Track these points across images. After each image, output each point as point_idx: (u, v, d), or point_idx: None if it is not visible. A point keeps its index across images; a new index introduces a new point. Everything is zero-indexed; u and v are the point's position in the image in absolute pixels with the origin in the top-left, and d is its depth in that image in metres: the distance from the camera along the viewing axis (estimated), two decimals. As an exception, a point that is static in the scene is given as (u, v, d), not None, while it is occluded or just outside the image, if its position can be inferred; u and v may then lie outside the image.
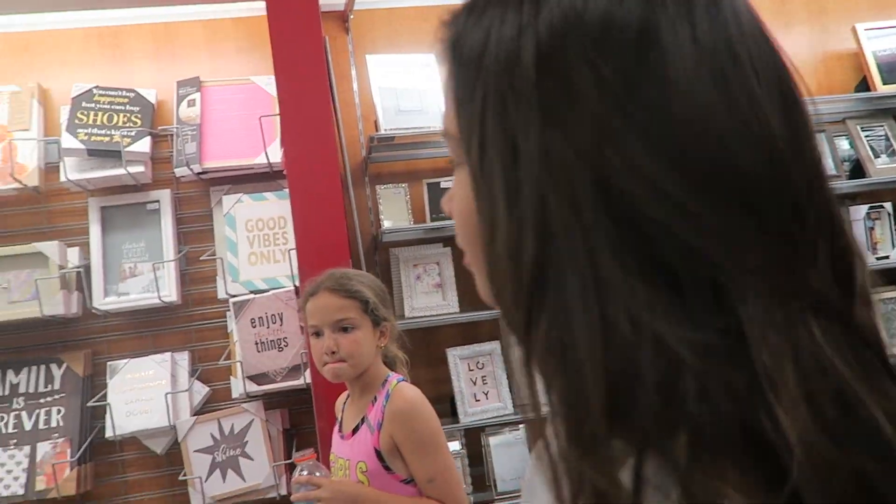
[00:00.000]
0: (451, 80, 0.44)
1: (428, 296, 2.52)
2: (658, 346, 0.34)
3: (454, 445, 2.48)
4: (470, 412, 2.45)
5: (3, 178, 2.34)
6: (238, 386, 2.38)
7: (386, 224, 2.48)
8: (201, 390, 2.46)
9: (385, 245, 2.59)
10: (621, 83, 0.36)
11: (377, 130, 2.45)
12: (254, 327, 2.33)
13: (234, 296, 2.38)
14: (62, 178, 2.35)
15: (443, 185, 2.53)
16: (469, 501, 2.37)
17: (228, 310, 2.41)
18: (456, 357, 2.48)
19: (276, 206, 2.51)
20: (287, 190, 2.53)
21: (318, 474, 1.55)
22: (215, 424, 2.40)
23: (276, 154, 2.41)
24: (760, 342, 0.34)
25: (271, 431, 2.44)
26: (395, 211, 2.54)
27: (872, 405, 0.34)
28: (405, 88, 2.50)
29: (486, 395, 2.49)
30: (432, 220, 2.52)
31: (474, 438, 2.54)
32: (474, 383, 2.49)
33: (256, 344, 2.32)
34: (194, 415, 2.40)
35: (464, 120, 0.42)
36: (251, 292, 2.40)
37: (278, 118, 2.42)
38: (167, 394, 2.31)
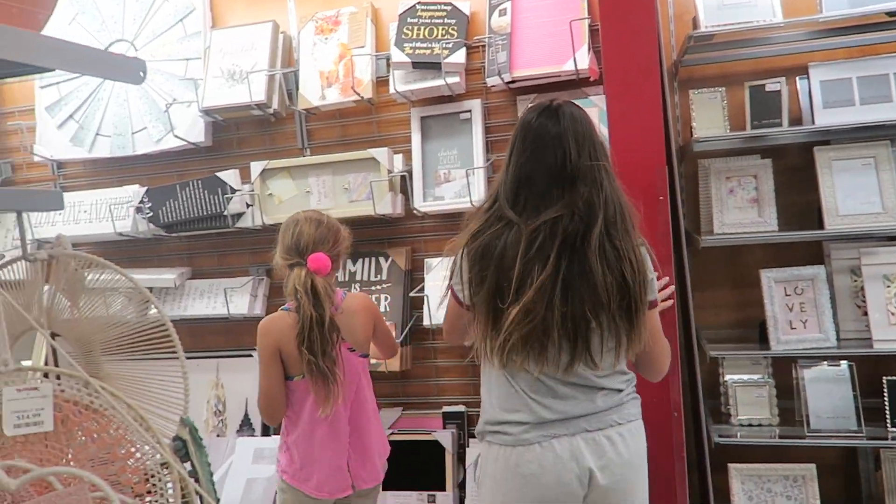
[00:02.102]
0: None
1: (741, 211, 2.32)
2: None
3: (757, 374, 2.31)
4: (783, 340, 2.24)
5: (345, 91, 2.66)
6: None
7: (698, 132, 2.30)
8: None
9: (693, 156, 2.42)
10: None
11: (695, 28, 2.25)
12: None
13: (538, 203, 2.44)
14: (391, 90, 2.60)
15: (768, 87, 2.26)
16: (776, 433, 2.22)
17: (531, 216, 2.49)
18: (771, 280, 2.27)
19: (580, 114, 2.48)
20: (592, 98, 2.50)
21: None
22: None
23: (583, 60, 2.36)
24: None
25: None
26: (708, 118, 2.35)
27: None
28: (730, -21, 2.25)
29: (805, 323, 2.24)
30: (753, 127, 2.28)
31: (783, 369, 2.34)
32: (790, 309, 2.26)
33: None
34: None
35: None
36: (553, 200, 2.44)
37: (586, 23, 2.37)
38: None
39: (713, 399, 2.43)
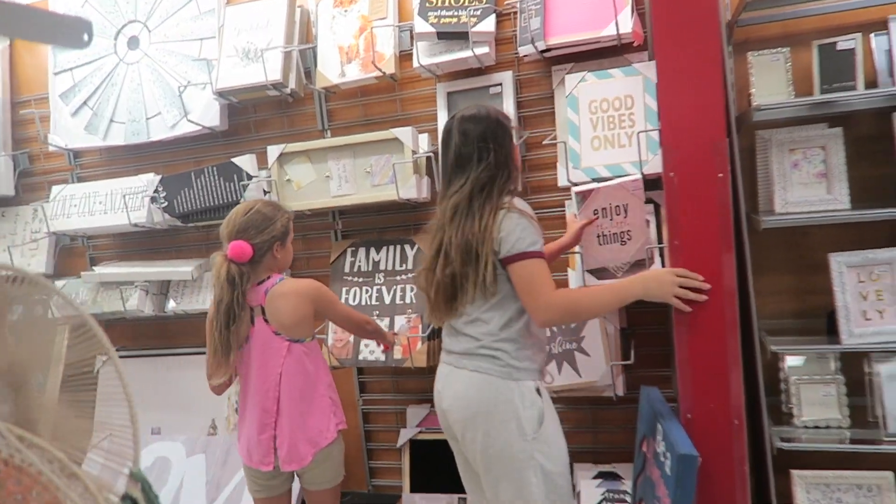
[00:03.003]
0: None
1: (807, 188, 2.06)
2: None
3: (829, 366, 2.06)
4: (856, 333, 1.98)
5: (366, 66, 2.47)
6: (576, 279, 2.26)
7: (758, 99, 2.04)
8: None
9: (750, 126, 2.17)
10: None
11: (755, -18, 1.99)
12: (596, 218, 2.16)
13: (576, 184, 2.22)
14: (415, 64, 2.40)
15: (840, 46, 1.98)
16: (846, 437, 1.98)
17: (568, 198, 2.28)
18: (842, 265, 2.01)
19: (621, 84, 2.25)
20: (636, 66, 2.25)
21: None
22: (553, 315, 2.34)
23: (626, 23, 2.12)
24: None
25: (608, 329, 2.30)
26: (769, 83, 2.09)
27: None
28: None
29: (881, 314, 1.98)
30: (822, 92, 2.01)
31: (854, 364, 2.08)
32: (864, 298, 2.00)
33: (598, 236, 2.15)
34: (533, 304, 2.36)
35: None
36: (592, 180, 2.22)
37: (630, -20, 2.12)
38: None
39: (772, 395, 2.18)
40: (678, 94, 1.60)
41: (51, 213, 2.86)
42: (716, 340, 1.58)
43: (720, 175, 1.55)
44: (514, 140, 1.87)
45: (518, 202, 1.74)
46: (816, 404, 2.05)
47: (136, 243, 3.03)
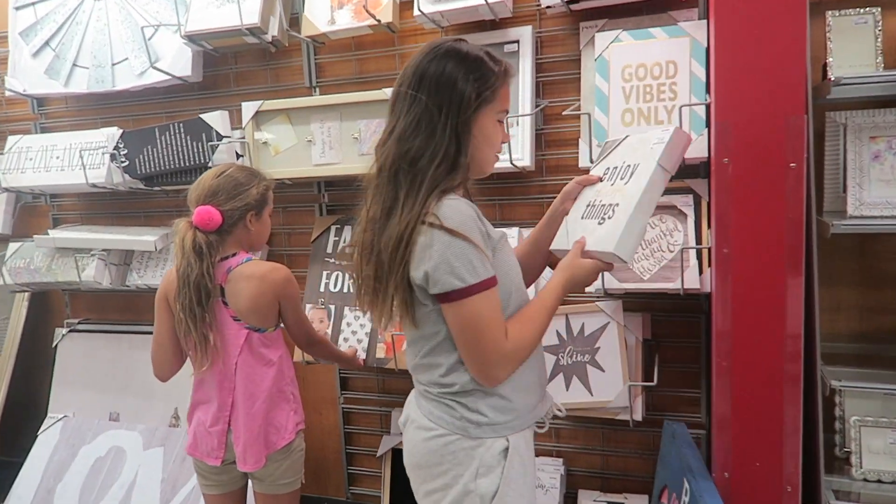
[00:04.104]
0: None
1: (889, 186, 1.65)
2: None
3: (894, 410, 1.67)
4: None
5: (359, 14, 2.09)
6: (594, 279, 1.88)
7: (836, 71, 1.62)
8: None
9: (820, 106, 1.75)
10: None
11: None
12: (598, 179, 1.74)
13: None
14: (415, 13, 2.01)
15: (951, 6, 1.56)
16: None
17: (590, 182, 1.89)
18: (927, 284, 1.61)
19: (663, 47, 1.84)
20: (682, 25, 1.84)
21: None
22: (562, 321, 1.97)
23: (675, -31, 1.71)
24: None
25: (629, 340, 1.93)
26: (851, 52, 1.66)
27: None
28: None
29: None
30: (922, 64, 1.59)
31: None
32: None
33: (588, 205, 1.75)
34: (540, 305, 2.00)
35: None
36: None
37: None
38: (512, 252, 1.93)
39: (826, 432, 1.81)
40: (742, 51, 1.19)
41: (5, 167, 2.54)
42: (770, 396, 1.20)
43: (792, 165, 1.15)
44: (495, 106, 1.26)
45: (447, 209, 1.16)
46: (881, 453, 1.67)
47: (104, 206, 2.70)
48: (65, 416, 2.66)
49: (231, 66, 2.43)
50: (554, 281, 1.33)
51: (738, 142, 1.04)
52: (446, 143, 1.19)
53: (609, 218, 1.31)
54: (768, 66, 1.17)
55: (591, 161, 1.84)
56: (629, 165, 1.37)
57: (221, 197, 1.72)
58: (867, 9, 1.66)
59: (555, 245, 1.50)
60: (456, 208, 1.16)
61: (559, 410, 1.44)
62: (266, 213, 1.81)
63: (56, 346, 2.74)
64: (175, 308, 1.71)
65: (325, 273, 2.28)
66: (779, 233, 1.14)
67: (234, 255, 1.75)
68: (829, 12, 1.68)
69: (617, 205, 1.31)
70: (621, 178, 1.37)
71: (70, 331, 2.75)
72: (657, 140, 1.32)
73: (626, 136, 1.50)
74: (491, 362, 1.17)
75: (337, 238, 2.30)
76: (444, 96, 1.20)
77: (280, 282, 1.75)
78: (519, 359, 1.21)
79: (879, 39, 1.64)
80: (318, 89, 2.31)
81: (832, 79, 1.51)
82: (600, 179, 1.46)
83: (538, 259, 1.57)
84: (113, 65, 2.42)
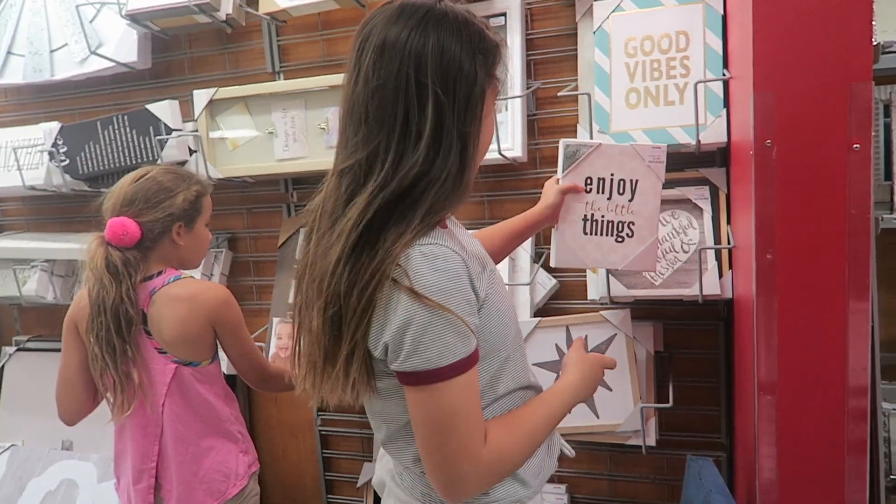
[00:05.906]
0: None
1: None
2: None
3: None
4: None
5: (321, -15, 1.83)
6: (598, 284, 1.65)
7: (882, 36, 1.38)
8: (547, 283, 1.80)
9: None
10: None
11: None
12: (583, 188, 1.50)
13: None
14: (387, -18, 1.75)
15: None
16: None
17: (591, 174, 1.64)
18: None
19: (673, 16, 1.60)
20: (695, -11, 1.60)
21: None
22: (562, 332, 1.73)
23: (686, -78, 1.46)
24: None
25: (638, 353, 1.69)
26: (891, 18, 1.42)
27: None
28: None
29: None
30: None
31: None
32: None
33: (585, 219, 1.47)
34: (536, 315, 1.76)
35: None
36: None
37: None
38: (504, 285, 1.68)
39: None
40: (789, 4, 0.94)
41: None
42: (829, 467, 0.94)
43: (856, 146, 0.89)
44: (495, 91, 0.97)
45: (422, 263, 0.84)
46: (937, 484, 1.43)
47: (51, 210, 2.44)
48: (13, 445, 2.40)
49: (185, 51, 2.17)
50: (560, 391, 1.06)
51: (785, 119, 0.80)
52: (467, 150, 0.89)
53: (630, 236, 1.42)
54: (824, 22, 0.91)
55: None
56: (624, 180, 1.41)
57: (139, 206, 1.45)
58: (916, -37, 1.41)
59: (560, 263, 1.46)
60: (435, 262, 0.84)
61: (569, 452, 1.20)
62: (200, 223, 1.53)
63: (2, 366, 2.48)
64: (88, 340, 1.43)
65: (294, 282, 2.02)
66: (839, 233, 0.89)
67: (159, 273, 1.48)
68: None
69: (632, 223, 1.42)
70: (619, 193, 1.42)
71: (18, 349, 2.49)
72: (651, 158, 1.39)
73: (599, 144, 1.41)
74: (455, 474, 0.86)
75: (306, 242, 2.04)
76: (463, 79, 0.87)
77: (214, 303, 1.46)
78: (495, 474, 0.91)
79: (931, -2, 1.40)
80: (281, 74, 2.06)
81: (881, 43, 1.26)
82: (586, 190, 1.43)
83: (507, 250, 1.43)
84: (51, 52, 2.15)
